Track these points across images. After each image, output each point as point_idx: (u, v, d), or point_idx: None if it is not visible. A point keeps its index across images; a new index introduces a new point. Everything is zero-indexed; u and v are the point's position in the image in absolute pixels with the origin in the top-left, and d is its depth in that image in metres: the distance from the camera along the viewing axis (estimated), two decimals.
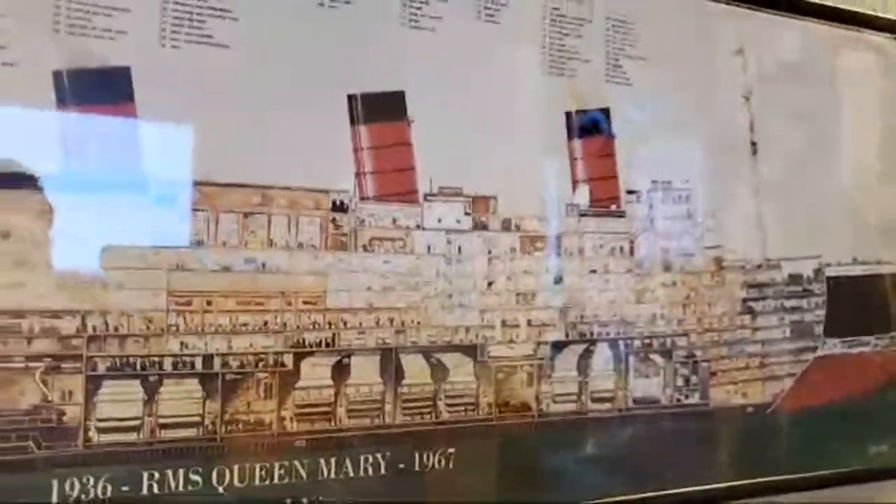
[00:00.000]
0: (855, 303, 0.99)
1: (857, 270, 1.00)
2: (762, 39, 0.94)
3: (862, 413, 0.99)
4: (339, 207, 0.72)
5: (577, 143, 0.83)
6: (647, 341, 0.86)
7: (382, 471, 0.72)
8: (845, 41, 1.01)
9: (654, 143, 0.88)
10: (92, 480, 0.62)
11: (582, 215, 0.83)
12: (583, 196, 0.83)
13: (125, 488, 0.63)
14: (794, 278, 0.95)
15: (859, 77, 1.02)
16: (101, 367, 0.63)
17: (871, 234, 1.02)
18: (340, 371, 0.71)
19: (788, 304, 0.95)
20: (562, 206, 0.82)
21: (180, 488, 0.65)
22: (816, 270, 0.97)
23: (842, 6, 1.00)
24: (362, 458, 0.72)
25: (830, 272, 0.97)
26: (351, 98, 0.72)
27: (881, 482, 0.97)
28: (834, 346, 0.98)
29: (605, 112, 0.85)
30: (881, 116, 1.04)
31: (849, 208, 1.01)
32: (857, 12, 1.01)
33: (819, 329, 0.97)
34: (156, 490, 0.64)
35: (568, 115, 0.83)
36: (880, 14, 1.04)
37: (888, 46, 1.04)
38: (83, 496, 0.62)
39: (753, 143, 0.93)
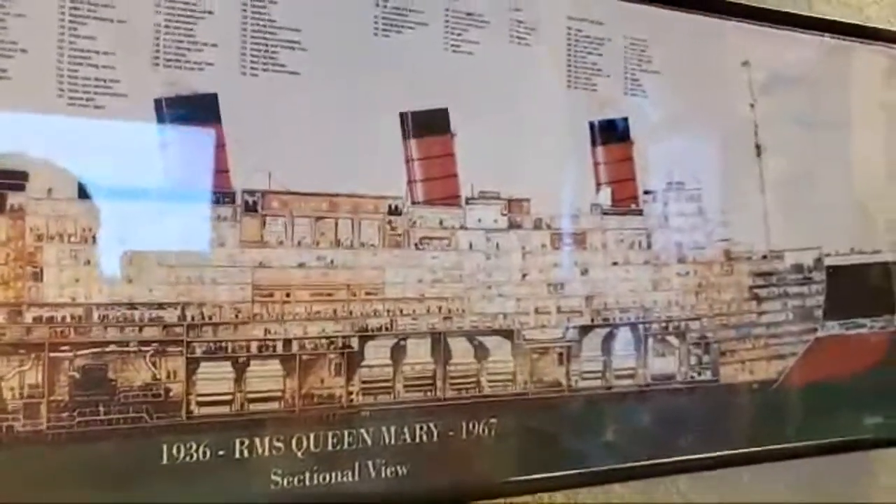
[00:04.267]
0: (852, 289, 1.08)
1: (855, 260, 1.08)
2: (766, 52, 1.03)
3: (858, 388, 1.07)
4: (394, 211, 0.82)
5: (600, 150, 0.93)
6: (663, 325, 0.96)
7: (435, 438, 0.83)
8: (842, 50, 1.09)
9: (668, 147, 0.97)
10: (194, 446, 0.73)
11: (604, 214, 0.93)
12: (605, 197, 0.93)
13: (221, 452, 0.75)
14: (796, 267, 1.04)
15: (856, 82, 1.11)
16: (199, 351, 0.74)
17: (869, 226, 1.10)
18: (398, 352, 0.82)
19: (791, 290, 1.03)
20: (586, 206, 0.92)
21: (266, 453, 0.77)
22: (816, 260, 1.05)
23: (846, 20, 1.09)
24: (417, 427, 0.82)
25: (830, 261, 1.06)
26: (402, 115, 0.83)
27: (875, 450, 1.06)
28: (833, 328, 1.06)
29: (624, 121, 0.94)
30: (878, 119, 1.13)
31: (848, 203, 1.09)
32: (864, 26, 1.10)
33: (819, 313, 1.05)
34: (246, 455, 0.76)
35: (591, 124, 0.92)
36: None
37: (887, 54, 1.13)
38: (187, 458, 0.73)
39: (758, 146, 1.03)
